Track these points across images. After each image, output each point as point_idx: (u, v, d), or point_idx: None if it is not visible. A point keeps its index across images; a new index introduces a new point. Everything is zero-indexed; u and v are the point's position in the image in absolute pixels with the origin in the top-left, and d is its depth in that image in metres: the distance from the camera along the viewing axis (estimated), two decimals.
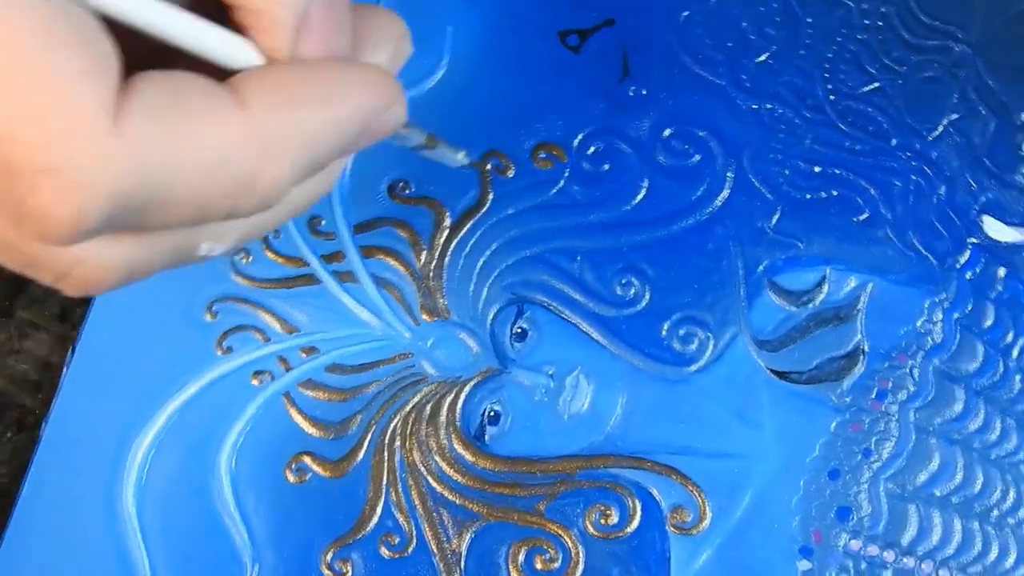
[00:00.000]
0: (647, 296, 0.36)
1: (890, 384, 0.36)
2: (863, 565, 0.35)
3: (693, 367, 0.36)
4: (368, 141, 0.25)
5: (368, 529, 0.35)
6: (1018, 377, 0.36)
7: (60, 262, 0.23)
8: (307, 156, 0.23)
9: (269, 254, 0.36)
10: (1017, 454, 0.36)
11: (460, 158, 0.31)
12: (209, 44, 0.22)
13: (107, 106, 0.19)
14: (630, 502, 0.35)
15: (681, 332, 0.36)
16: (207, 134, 0.21)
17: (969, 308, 0.36)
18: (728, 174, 0.36)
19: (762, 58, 0.37)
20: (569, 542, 0.35)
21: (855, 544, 0.35)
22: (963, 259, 0.37)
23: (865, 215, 0.36)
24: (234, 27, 0.23)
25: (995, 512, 0.36)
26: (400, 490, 0.35)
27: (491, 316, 0.35)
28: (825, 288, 0.36)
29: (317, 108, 0.22)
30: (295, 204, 0.26)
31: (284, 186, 0.23)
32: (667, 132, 0.36)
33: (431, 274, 0.35)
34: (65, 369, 0.34)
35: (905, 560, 0.35)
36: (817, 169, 0.36)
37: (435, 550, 0.34)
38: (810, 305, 0.36)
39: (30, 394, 0.36)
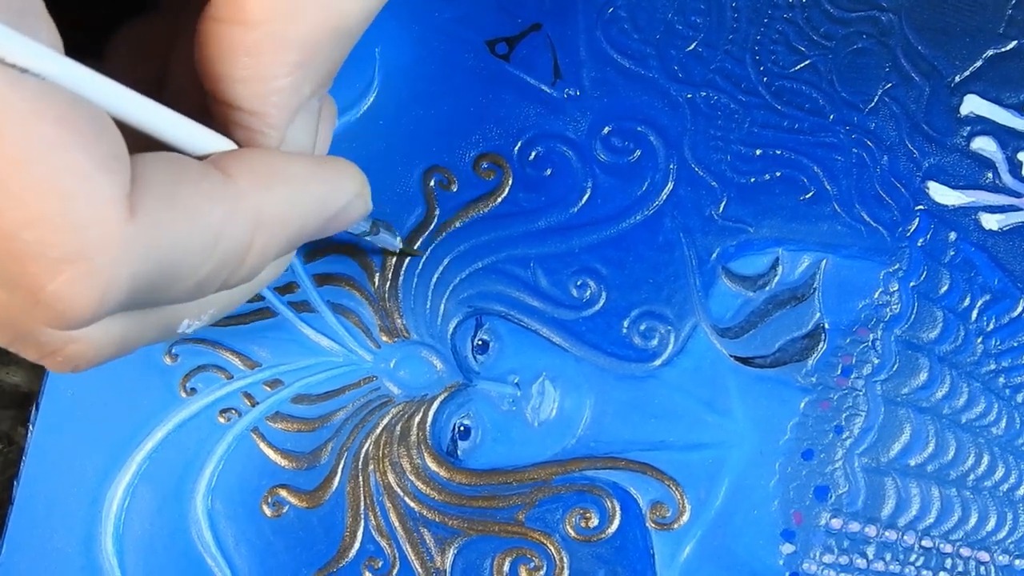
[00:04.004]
0: (604, 296, 0.36)
1: (854, 359, 0.36)
2: (846, 543, 0.35)
3: (657, 361, 0.35)
4: (336, 227, 0.26)
5: (351, 556, 0.35)
6: (979, 340, 0.36)
7: (53, 341, 0.23)
8: (290, 232, 0.24)
9: None
10: (986, 417, 0.36)
11: (397, 242, 0.35)
12: (185, 136, 0.23)
13: (124, 195, 0.20)
14: (608, 503, 0.35)
15: (641, 328, 0.36)
16: (207, 212, 0.22)
17: (924, 275, 0.36)
18: (671, 166, 0.36)
19: (691, 47, 0.37)
20: (552, 548, 0.35)
21: (836, 522, 0.35)
22: (913, 227, 0.36)
23: (811, 193, 0.36)
24: (215, 119, 0.24)
25: (971, 477, 0.36)
26: (378, 513, 0.35)
27: (451, 331, 0.35)
28: (779, 270, 0.36)
29: (301, 189, 0.24)
30: (264, 280, 0.27)
31: (269, 259, 0.24)
32: (606, 130, 0.36)
33: (386, 295, 0.35)
34: (31, 427, 0.34)
35: (887, 534, 0.35)
36: (758, 152, 0.36)
37: (419, 570, 0.34)
38: (766, 288, 0.36)
39: (20, 407, 0.36)
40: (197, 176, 0.22)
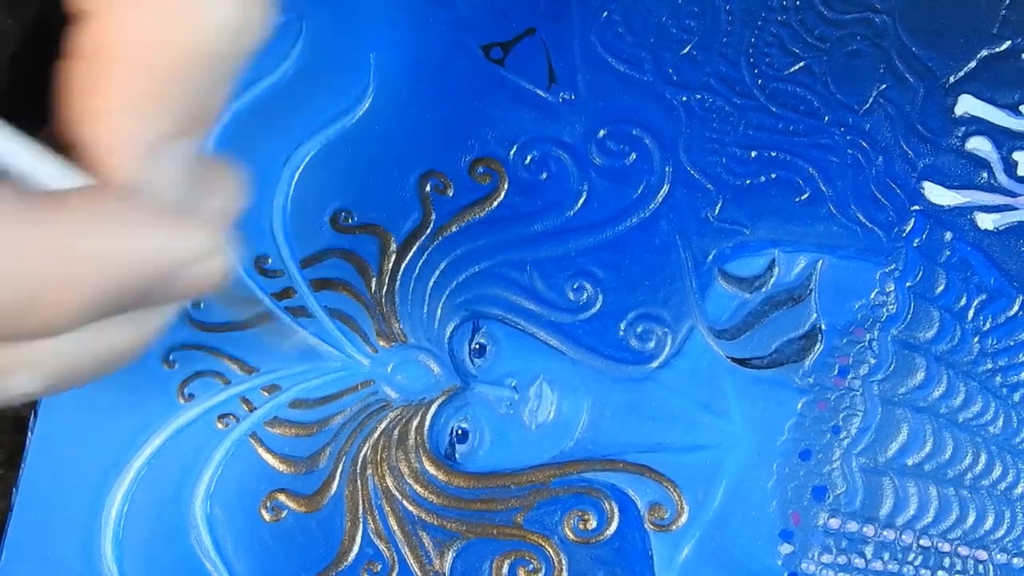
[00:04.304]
0: (600, 299, 0.36)
1: (851, 359, 0.36)
2: (844, 542, 0.35)
3: (654, 364, 0.36)
4: (183, 292, 0.24)
5: (349, 560, 0.35)
6: (975, 339, 0.36)
7: None
8: (99, 286, 0.21)
9: None
10: (983, 416, 0.36)
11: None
12: (28, 168, 0.21)
13: None
14: (607, 505, 0.35)
15: (638, 330, 0.36)
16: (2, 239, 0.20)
17: (920, 275, 0.36)
18: (666, 169, 0.36)
19: (686, 50, 0.37)
20: (550, 551, 0.35)
21: (834, 522, 0.35)
22: (908, 227, 0.37)
23: (806, 194, 0.36)
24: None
25: (968, 476, 0.36)
26: (377, 517, 0.35)
27: (448, 335, 0.35)
28: (775, 271, 0.36)
29: (128, 234, 0.21)
30: (109, 348, 0.24)
31: (71, 311, 0.21)
32: (601, 133, 0.36)
33: (383, 300, 0.35)
34: (29, 435, 0.34)
35: (885, 533, 0.35)
36: (754, 154, 0.36)
37: (418, 573, 0.34)
38: (763, 289, 0.36)
39: (18, 415, 0.36)
40: (1, 201, 0.20)
